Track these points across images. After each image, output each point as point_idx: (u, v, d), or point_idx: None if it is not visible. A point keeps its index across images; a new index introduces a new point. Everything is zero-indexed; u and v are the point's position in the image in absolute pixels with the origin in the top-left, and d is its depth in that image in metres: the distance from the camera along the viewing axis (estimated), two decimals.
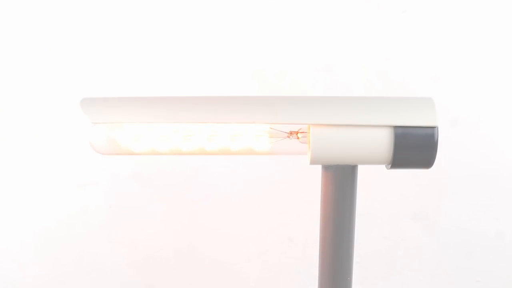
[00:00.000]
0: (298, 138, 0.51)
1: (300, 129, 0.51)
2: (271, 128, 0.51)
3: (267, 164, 0.93)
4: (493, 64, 0.87)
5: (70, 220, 0.98)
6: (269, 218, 0.97)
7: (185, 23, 0.88)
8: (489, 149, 0.91)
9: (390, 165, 0.49)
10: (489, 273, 0.97)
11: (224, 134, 0.51)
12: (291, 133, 0.51)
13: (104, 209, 0.97)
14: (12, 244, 1.00)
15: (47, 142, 0.94)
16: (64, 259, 1.01)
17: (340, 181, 0.50)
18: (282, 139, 0.51)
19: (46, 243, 0.99)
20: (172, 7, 0.88)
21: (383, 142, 0.47)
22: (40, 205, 0.97)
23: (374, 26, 0.87)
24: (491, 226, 0.95)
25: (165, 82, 0.90)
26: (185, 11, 0.88)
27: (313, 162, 0.49)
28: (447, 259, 0.97)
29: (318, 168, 0.51)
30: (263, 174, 0.94)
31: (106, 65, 0.90)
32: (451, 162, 0.91)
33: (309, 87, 0.89)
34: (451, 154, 0.91)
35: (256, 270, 1.00)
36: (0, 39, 0.90)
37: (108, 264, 1.00)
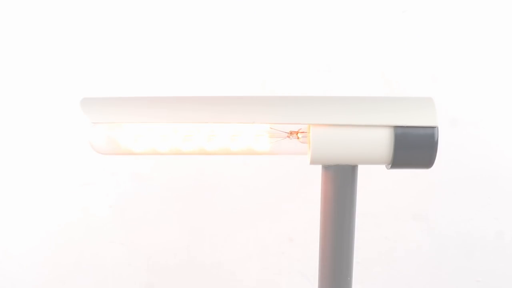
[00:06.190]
0: (298, 138, 0.51)
1: (300, 129, 0.51)
2: (271, 128, 0.51)
3: (267, 164, 0.93)
4: (493, 64, 0.87)
5: (70, 221, 0.98)
6: (269, 218, 0.97)
7: (184, 23, 0.88)
8: (489, 149, 0.91)
9: (390, 165, 0.49)
10: (489, 273, 0.97)
11: (224, 134, 0.51)
12: (291, 133, 0.51)
13: (104, 209, 0.97)
14: (12, 245, 1.00)
15: (47, 142, 0.94)
16: (64, 260, 1.00)
17: (340, 181, 0.50)
18: (282, 139, 0.51)
19: (46, 243, 0.99)
20: (171, 7, 0.88)
21: (383, 142, 0.47)
22: (39, 206, 0.97)
23: (374, 26, 0.87)
24: (491, 226, 0.95)
25: (165, 82, 0.90)
26: (184, 11, 0.88)
27: (313, 162, 0.49)
28: (447, 259, 0.97)
29: (318, 168, 0.51)
30: (263, 174, 0.94)
31: (106, 65, 0.90)
32: (451, 162, 0.91)
33: (309, 87, 0.89)
34: (451, 154, 0.91)
35: (256, 270, 1.00)
36: (0, 39, 0.90)
37: (108, 265, 1.00)
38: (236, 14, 0.88)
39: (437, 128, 0.47)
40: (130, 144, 0.51)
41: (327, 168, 0.50)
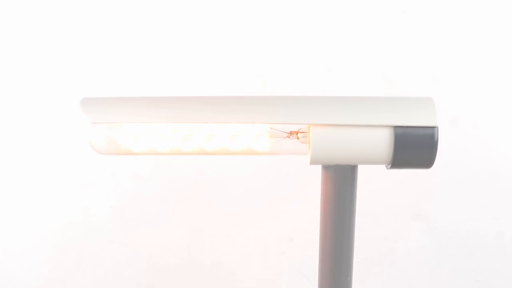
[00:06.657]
0: (298, 138, 0.51)
1: (300, 129, 0.51)
2: (271, 128, 0.51)
3: (267, 164, 0.93)
4: (493, 64, 0.87)
5: (70, 221, 0.98)
6: (269, 218, 0.97)
7: (184, 23, 0.88)
8: (489, 149, 0.91)
9: (390, 165, 0.49)
10: (489, 273, 0.97)
11: (224, 134, 0.51)
12: (291, 133, 0.51)
13: (104, 209, 0.97)
14: (12, 245, 1.00)
15: (47, 142, 0.94)
16: (64, 260, 1.00)
17: (340, 181, 0.50)
18: (282, 139, 0.51)
19: (46, 243, 0.99)
20: (171, 7, 0.88)
21: (383, 142, 0.47)
22: (39, 206, 0.97)
23: (374, 26, 0.87)
24: (491, 226, 0.95)
25: (165, 82, 0.90)
26: (184, 10, 0.88)
27: (313, 162, 0.49)
28: (447, 259, 0.97)
29: (318, 168, 0.51)
30: (263, 174, 0.94)
31: (106, 65, 0.90)
32: (451, 162, 0.91)
33: (309, 87, 0.89)
34: (451, 154, 0.91)
35: (256, 270, 1.00)
36: (0, 39, 0.90)
37: (108, 265, 1.00)
38: (236, 14, 0.88)
39: (437, 128, 0.47)
40: (130, 144, 0.51)
41: (327, 168, 0.50)
